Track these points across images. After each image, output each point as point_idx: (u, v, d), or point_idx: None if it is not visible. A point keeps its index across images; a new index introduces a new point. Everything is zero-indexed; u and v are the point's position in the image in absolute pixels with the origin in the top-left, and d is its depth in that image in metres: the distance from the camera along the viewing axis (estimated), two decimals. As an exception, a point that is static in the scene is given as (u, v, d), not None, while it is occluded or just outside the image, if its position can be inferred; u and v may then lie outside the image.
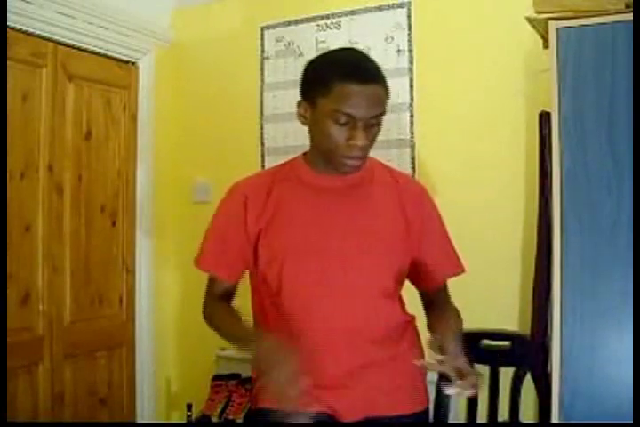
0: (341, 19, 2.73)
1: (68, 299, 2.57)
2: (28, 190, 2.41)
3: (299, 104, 1.34)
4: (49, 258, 2.48)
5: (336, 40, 2.69)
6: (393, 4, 2.63)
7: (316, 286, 1.35)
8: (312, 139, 1.36)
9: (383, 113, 1.29)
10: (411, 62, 2.60)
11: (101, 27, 2.68)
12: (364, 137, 1.26)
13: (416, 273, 1.45)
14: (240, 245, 1.42)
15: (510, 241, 2.39)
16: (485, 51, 2.45)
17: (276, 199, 1.40)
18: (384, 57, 2.62)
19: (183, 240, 3.06)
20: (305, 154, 1.43)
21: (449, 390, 1.16)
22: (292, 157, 1.48)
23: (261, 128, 2.90)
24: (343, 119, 1.25)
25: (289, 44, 2.85)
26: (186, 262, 3.00)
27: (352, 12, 2.71)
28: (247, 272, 1.48)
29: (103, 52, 2.75)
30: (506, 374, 2.07)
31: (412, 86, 2.59)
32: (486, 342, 2.09)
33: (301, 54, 2.78)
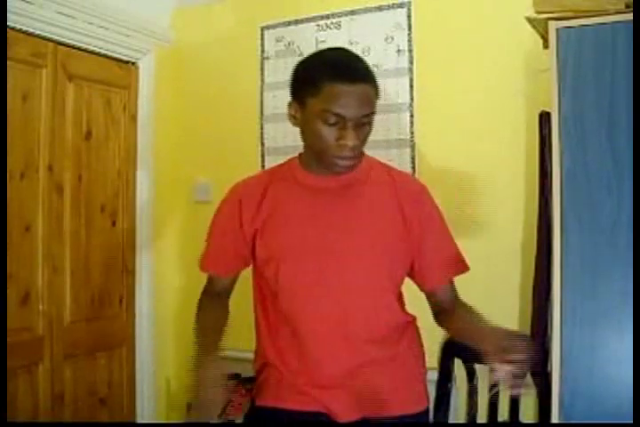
0: (341, 19, 2.73)
1: (68, 299, 2.57)
2: (28, 190, 2.40)
3: (289, 105, 1.34)
4: (49, 258, 2.48)
5: (336, 40, 2.69)
6: (393, 3, 2.63)
7: (313, 287, 1.35)
8: (303, 139, 1.36)
9: (373, 112, 1.28)
10: (411, 62, 2.60)
11: (101, 27, 2.68)
12: (355, 137, 1.26)
13: (418, 273, 1.44)
14: (237, 245, 1.43)
15: (510, 241, 2.39)
16: (485, 51, 2.45)
17: (272, 199, 1.40)
18: (384, 57, 2.62)
19: (183, 240, 3.07)
20: (300, 154, 1.44)
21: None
22: (291, 157, 1.48)
23: (261, 128, 2.90)
24: (333, 119, 1.24)
25: (289, 44, 2.85)
26: (186, 262, 3.03)
27: (352, 12, 2.71)
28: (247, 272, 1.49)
29: (103, 52, 2.74)
30: (506, 374, 2.07)
31: (412, 86, 2.59)
32: (486, 341, 2.08)
33: (301, 54, 2.78)
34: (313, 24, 2.79)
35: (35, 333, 2.42)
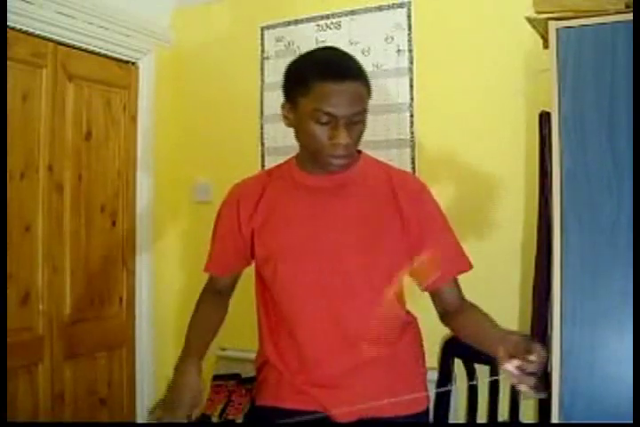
0: (341, 19, 2.73)
1: (68, 299, 2.57)
2: (28, 190, 2.40)
3: (282, 106, 1.34)
4: (49, 258, 2.48)
5: (336, 40, 2.68)
6: (393, 3, 2.63)
7: (312, 287, 1.35)
8: (297, 140, 1.35)
9: (365, 110, 1.28)
10: (411, 62, 2.60)
11: (101, 27, 2.68)
12: (347, 135, 1.25)
13: (420, 272, 1.41)
14: (237, 245, 1.44)
15: (510, 241, 2.39)
16: (485, 51, 2.45)
17: (270, 199, 1.40)
18: (384, 57, 2.62)
19: (183, 240, 3.07)
20: (297, 154, 1.44)
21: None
22: (291, 156, 1.48)
23: (261, 128, 2.90)
24: (324, 118, 1.24)
25: (289, 44, 2.85)
26: (186, 262, 3.03)
27: (352, 12, 2.71)
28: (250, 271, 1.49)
29: (103, 52, 2.74)
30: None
31: (412, 86, 2.59)
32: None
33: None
34: (313, 24, 2.79)
35: (35, 333, 2.42)
